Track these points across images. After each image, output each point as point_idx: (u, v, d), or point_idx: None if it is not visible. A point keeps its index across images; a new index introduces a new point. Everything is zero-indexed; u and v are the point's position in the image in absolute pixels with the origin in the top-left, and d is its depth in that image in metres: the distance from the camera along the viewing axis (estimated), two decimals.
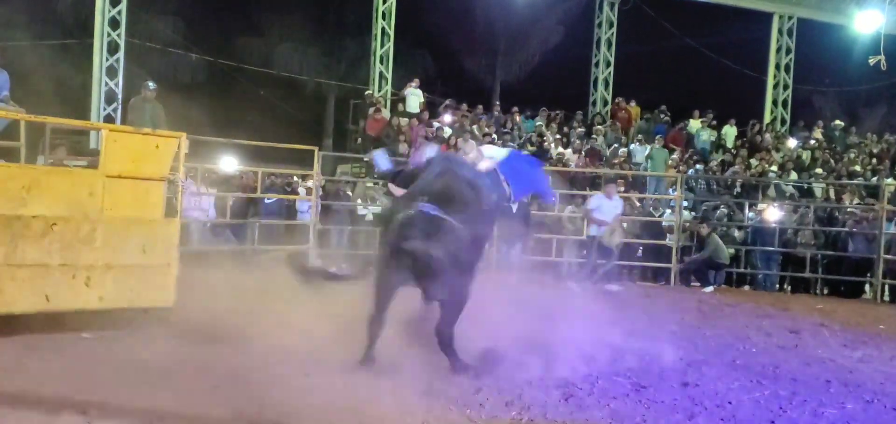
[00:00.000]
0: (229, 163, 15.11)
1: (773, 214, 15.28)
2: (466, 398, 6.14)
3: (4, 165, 7.90)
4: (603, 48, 23.57)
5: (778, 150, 19.73)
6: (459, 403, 6.00)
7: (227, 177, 14.27)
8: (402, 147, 17.58)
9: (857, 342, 8.64)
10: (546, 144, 19.31)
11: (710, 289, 13.97)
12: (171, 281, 7.79)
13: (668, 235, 15.18)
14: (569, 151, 18.93)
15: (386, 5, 21.70)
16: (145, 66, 18.63)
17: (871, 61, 19.34)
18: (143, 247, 7.58)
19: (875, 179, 17.30)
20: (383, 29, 21.79)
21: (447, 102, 20.98)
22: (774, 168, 18.42)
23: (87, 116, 18.18)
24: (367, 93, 21.42)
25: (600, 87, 23.56)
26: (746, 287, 14.99)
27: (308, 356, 7.07)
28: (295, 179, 15.17)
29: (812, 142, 20.85)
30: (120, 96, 18.46)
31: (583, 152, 18.69)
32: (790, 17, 23.29)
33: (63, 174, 8.07)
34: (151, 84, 14.65)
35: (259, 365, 6.68)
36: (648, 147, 19.30)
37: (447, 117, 20.11)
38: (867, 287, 14.72)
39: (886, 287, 14.25)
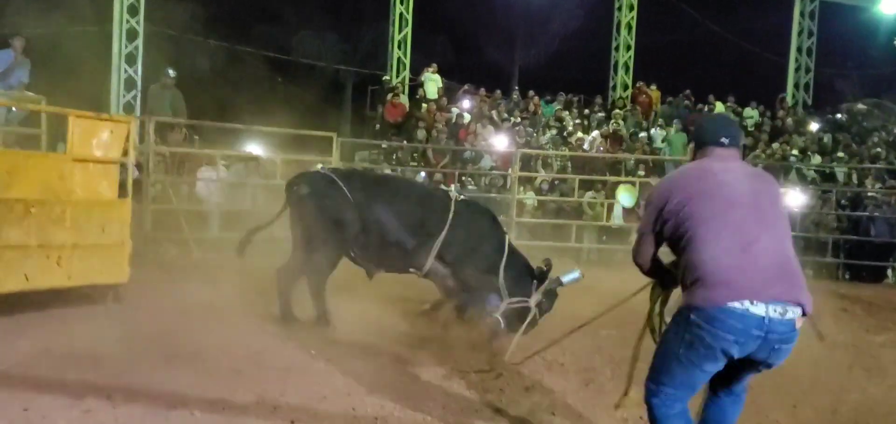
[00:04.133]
0: (254, 149, 15.15)
1: (795, 198, 15.15)
2: (487, 383, 6.15)
3: None
4: (623, 32, 23.39)
5: (800, 134, 19.56)
6: (479, 387, 6.01)
7: (247, 163, 14.29)
8: (421, 134, 17.57)
9: (879, 327, 8.57)
10: (565, 128, 19.26)
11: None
12: (125, 259, 8.05)
13: None
14: (592, 134, 18.82)
15: None
16: (164, 53, 18.65)
17: None
18: (102, 227, 7.86)
19: None
20: (401, 14, 21.73)
21: (466, 86, 20.93)
22: (796, 152, 18.27)
23: (106, 104, 18.26)
24: (384, 78, 21.41)
25: (621, 71, 23.40)
26: None
27: (328, 340, 7.11)
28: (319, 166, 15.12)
29: (838, 116, 20.69)
30: (139, 84, 18.53)
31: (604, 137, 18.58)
32: (812, 0, 23.06)
33: (39, 159, 8.35)
34: (171, 71, 14.72)
35: (279, 350, 6.72)
36: (665, 132, 19.20)
37: (466, 102, 20.05)
38: (889, 272, 14.59)
39: None
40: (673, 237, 3.82)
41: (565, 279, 7.70)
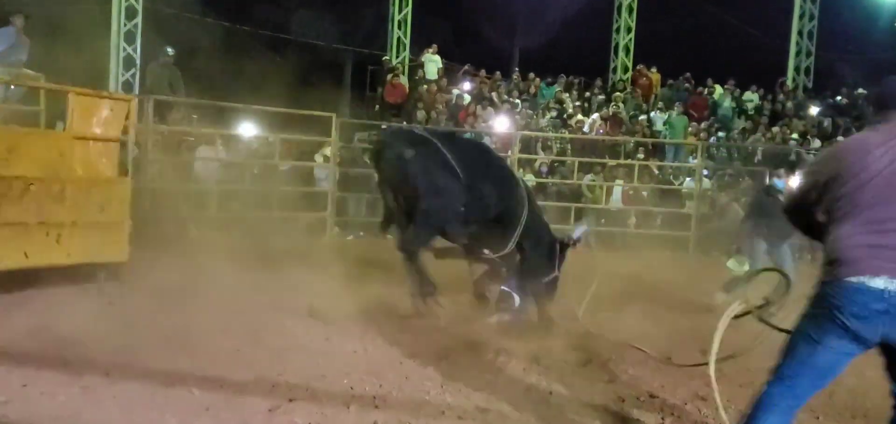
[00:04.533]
0: (248, 129, 15.12)
1: (794, 182, 15.12)
2: (484, 362, 6.17)
3: None
4: (624, 14, 23.32)
5: (800, 118, 19.53)
6: (477, 367, 6.02)
7: (245, 143, 14.28)
8: (420, 115, 17.54)
9: None
10: (565, 110, 19.23)
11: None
12: (125, 238, 8.10)
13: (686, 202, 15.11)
14: (592, 117, 18.79)
15: None
16: (163, 31, 18.58)
17: None
18: (101, 205, 7.91)
19: None
20: None
21: (466, 67, 20.87)
22: (795, 136, 18.25)
23: (105, 82, 18.21)
24: (384, 59, 21.34)
25: (621, 53, 23.34)
26: None
27: (327, 320, 7.13)
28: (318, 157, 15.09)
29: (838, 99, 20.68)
30: (138, 62, 18.48)
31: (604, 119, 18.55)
32: None
33: (39, 136, 8.35)
34: (170, 50, 14.70)
35: (278, 329, 6.73)
36: (667, 114, 19.18)
37: (466, 84, 20.00)
38: None
39: None
40: (820, 212, 3.75)
41: (576, 235, 7.86)
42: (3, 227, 7.17)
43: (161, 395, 4.90)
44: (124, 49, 18.51)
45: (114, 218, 8.03)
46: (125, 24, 18.50)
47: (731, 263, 8.48)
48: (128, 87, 18.17)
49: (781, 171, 8.57)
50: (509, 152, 14.94)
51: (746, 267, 8.39)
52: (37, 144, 7.75)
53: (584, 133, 17.71)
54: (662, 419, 5.18)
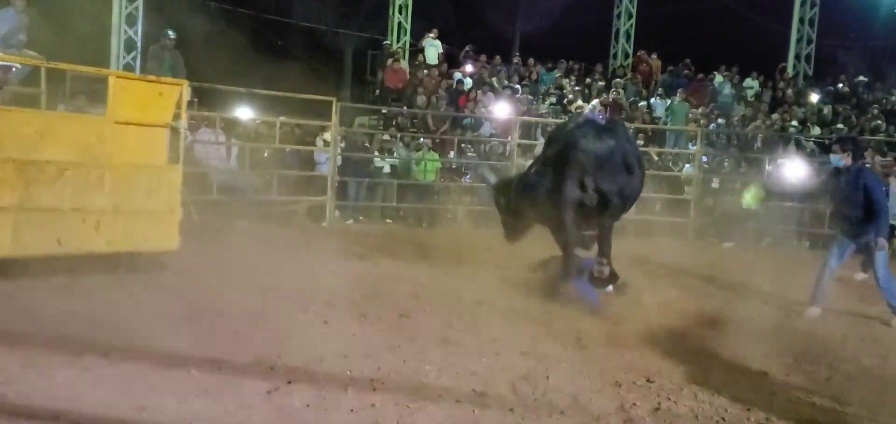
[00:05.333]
0: (245, 113, 15.11)
1: (795, 170, 15.12)
2: (483, 346, 6.20)
3: (19, 110, 8.02)
4: (625, 0, 23.28)
5: (800, 105, 19.51)
6: (476, 350, 6.06)
7: (245, 126, 14.27)
8: (421, 100, 17.52)
9: (873, 297, 8.61)
10: (565, 96, 19.19)
11: (729, 244, 13.93)
12: (175, 226, 7.90)
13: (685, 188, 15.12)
14: (592, 103, 18.75)
15: None
16: (164, 14, 18.53)
17: None
18: (148, 192, 7.74)
19: None
20: None
21: (467, 48, 20.81)
22: (795, 123, 18.24)
23: (106, 65, 18.17)
24: (385, 43, 21.29)
25: (621, 39, 23.27)
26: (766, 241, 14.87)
27: (326, 303, 7.17)
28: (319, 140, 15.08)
29: (840, 86, 20.64)
30: (139, 44, 18.42)
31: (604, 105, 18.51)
32: None
33: (73, 121, 8.15)
34: (171, 33, 14.69)
35: (278, 312, 6.77)
36: (668, 101, 19.16)
37: (468, 66, 19.93)
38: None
39: None
40: None
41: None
42: (34, 212, 7.09)
43: (160, 375, 4.94)
44: (125, 32, 18.44)
45: (162, 206, 7.84)
46: (126, 7, 18.43)
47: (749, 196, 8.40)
48: (129, 69, 18.12)
49: (837, 146, 8.33)
50: (509, 138, 14.94)
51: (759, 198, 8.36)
52: (71, 128, 7.60)
53: None
54: (659, 403, 5.22)
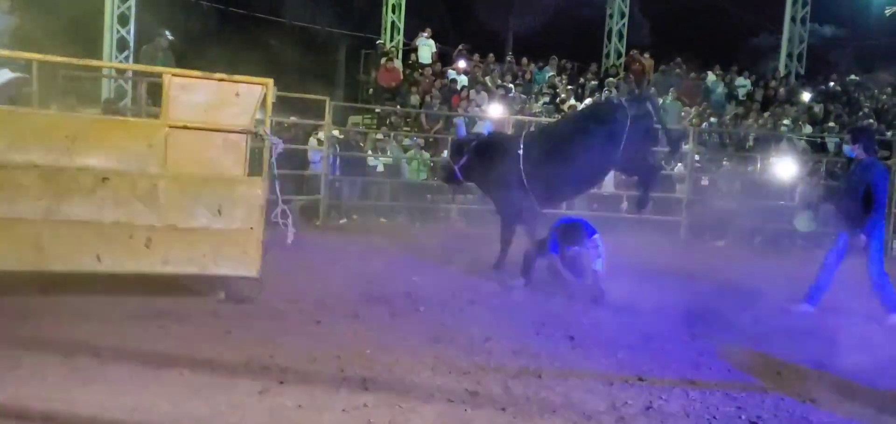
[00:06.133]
0: None
1: (787, 168, 15.17)
2: (475, 345, 6.21)
3: (49, 114, 7.46)
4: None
5: (792, 104, 19.56)
6: (468, 350, 6.06)
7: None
8: (414, 99, 17.53)
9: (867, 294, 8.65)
10: (559, 95, 19.22)
11: (721, 243, 13.97)
12: (255, 249, 6.93)
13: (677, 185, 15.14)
14: (585, 102, 18.78)
15: None
16: (157, 14, 18.52)
17: (888, 12, 19.10)
18: (217, 208, 6.80)
19: (889, 133, 17.12)
20: None
21: (461, 47, 20.82)
22: (787, 122, 18.28)
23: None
24: (378, 42, 21.31)
25: (614, 38, 23.32)
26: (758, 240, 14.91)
27: (318, 303, 7.17)
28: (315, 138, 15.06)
29: (832, 85, 20.72)
30: (132, 44, 18.41)
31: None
32: None
33: (115, 125, 7.24)
34: (168, 34, 14.69)
35: (270, 311, 6.76)
36: (661, 100, 19.18)
37: (462, 63, 19.93)
38: None
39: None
40: None
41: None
42: (66, 224, 6.43)
43: (151, 376, 4.93)
44: (118, 31, 18.42)
45: (236, 224, 6.87)
46: (119, 7, 18.41)
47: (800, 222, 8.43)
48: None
49: (849, 137, 8.37)
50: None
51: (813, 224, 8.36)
52: (112, 133, 6.80)
53: None
54: (650, 401, 5.23)
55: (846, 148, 8.28)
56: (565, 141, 8.94)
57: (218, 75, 6.82)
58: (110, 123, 7.24)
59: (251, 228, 6.88)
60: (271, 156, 7.02)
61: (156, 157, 6.66)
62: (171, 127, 6.67)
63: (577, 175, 9.01)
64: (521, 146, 9.07)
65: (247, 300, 6.96)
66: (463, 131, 9.69)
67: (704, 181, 15.06)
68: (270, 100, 7.04)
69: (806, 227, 8.33)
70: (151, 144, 6.66)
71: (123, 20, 18.46)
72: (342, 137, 14.37)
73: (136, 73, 15.16)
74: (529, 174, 8.91)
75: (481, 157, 9.36)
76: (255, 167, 7.12)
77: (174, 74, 6.77)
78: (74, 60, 7.55)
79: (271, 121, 7.15)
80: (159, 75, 7.23)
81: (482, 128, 15.76)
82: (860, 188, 7.92)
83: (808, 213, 8.34)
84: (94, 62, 7.62)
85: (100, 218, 6.51)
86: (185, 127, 6.71)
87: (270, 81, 6.98)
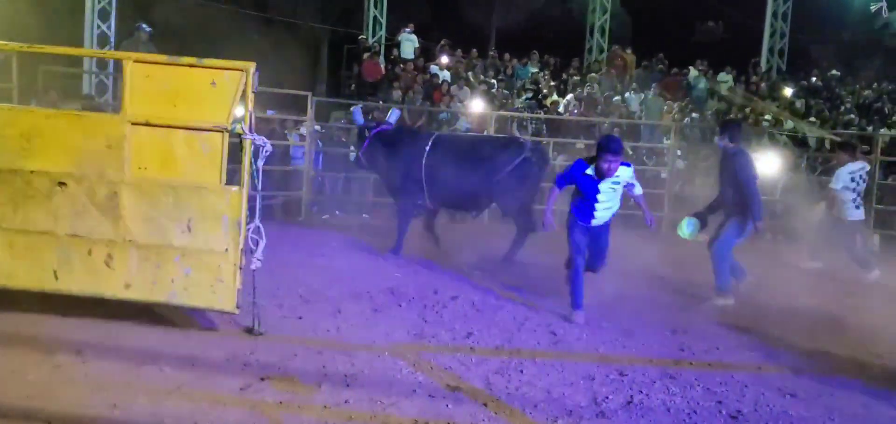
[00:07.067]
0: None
1: (770, 163, 15.22)
2: (458, 340, 6.23)
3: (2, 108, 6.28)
4: None
5: (773, 99, 19.66)
6: (450, 346, 6.08)
7: None
8: (396, 94, 17.50)
9: (851, 286, 8.75)
10: (541, 91, 19.24)
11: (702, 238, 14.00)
12: (231, 276, 5.75)
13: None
14: (567, 98, 18.81)
15: None
16: (138, 8, 18.41)
17: (873, 8, 19.25)
18: (187, 223, 5.73)
19: (870, 129, 17.25)
20: None
21: (443, 42, 20.80)
22: (768, 117, 18.37)
23: (78, 59, 18.01)
24: (361, 37, 21.25)
25: (596, 34, 23.37)
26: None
27: (300, 299, 7.16)
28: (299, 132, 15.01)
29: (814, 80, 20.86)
30: (112, 39, 18.27)
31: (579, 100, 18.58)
32: None
33: (71, 121, 6.00)
34: (146, 27, 14.58)
35: (251, 307, 6.74)
36: (643, 95, 19.24)
37: (444, 58, 19.90)
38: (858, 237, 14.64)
39: (878, 238, 14.26)
40: None
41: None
42: (20, 234, 5.70)
43: (132, 373, 4.92)
44: (98, 26, 18.27)
45: (209, 244, 5.72)
46: (99, 2, 18.27)
47: (685, 227, 8.56)
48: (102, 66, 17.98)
49: (718, 130, 8.84)
50: (485, 132, 14.96)
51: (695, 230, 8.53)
52: (69, 130, 5.80)
53: (558, 114, 17.72)
54: (631, 396, 5.26)
55: (717, 140, 8.62)
56: (461, 156, 9.49)
57: (187, 60, 5.77)
58: (67, 119, 6.02)
59: (226, 249, 5.73)
60: (256, 159, 5.93)
61: (115, 159, 5.72)
62: (133, 124, 5.72)
63: (461, 191, 9.49)
64: (429, 146, 9.55)
65: None
66: (359, 117, 9.88)
67: (685, 176, 15.10)
68: (251, 90, 5.78)
69: (689, 235, 8.42)
70: (110, 143, 5.71)
71: (104, 15, 18.32)
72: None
73: (116, 67, 15.07)
74: (428, 176, 9.45)
75: (387, 147, 9.80)
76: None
77: (137, 60, 5.82)
78: (137, 56, 5.98)
79: (252, 116, 5.88)
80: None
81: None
82: (733, 178, 8.17)
83: (692, 221, 8.45)
84: (108, 54, 6.31)
85: (56, 229, 5.72)
86: (147, 124, 5.72)
87: (251, 66, 5.76)
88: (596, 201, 7.13)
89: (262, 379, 4.98)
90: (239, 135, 5.87)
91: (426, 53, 20.56)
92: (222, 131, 5.74)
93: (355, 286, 7.85)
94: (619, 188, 7.23)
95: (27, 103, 10.33)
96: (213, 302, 5.78)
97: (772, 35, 22.98)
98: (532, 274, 8.81)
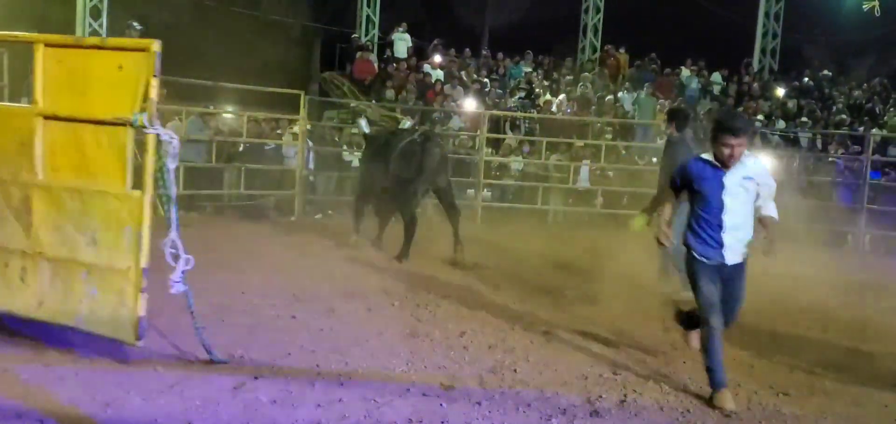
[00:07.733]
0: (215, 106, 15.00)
1: (765, 162, 15.22)
2: (450, 340, 6.22)
3: None
4: None
5: (766, 99, 19.70)
6: (443, 345, 6.07)
7: (210, 120, 14.14)
8: (389, 93, 17.49)
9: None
10: (533, 90, 19.24)
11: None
12: (131, 298, 4.85)
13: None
14: (559, 97, 18.81)
15: None
16: (129, 6, 18.35)
17: (866, 7, 19.31)
18: (93, 234, 4.94)
19: (862, 129, 17.30)
20: None
21: (436, 41, 20.79)
22: (761, 117, 18.41)
23: None
24: (353, 37, 21.23)
25: (589, 33, 23.37)
26: None
27: (294, 298, 7.15)
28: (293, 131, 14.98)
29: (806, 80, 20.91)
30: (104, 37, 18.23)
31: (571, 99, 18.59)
32: None
33: None
34: (137, 25, 14.51)
35: (245, 307, 6.73)
36: (636, 95, 19.25)
37: (437, 58, 19.88)
38: (849, 238, 14.68)
39: (869, 238, 14.31)
40: None
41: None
42: None
43: (124, 373, 4.89)
44: (90, 24, 18.23)
45: (112, 261, 4.88)
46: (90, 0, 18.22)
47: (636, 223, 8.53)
48: None
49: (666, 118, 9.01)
50: (478, 132, 14.97)
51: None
52: None
53: (551, 113, 17.73)
54: (625, 395, 5.26)
55: (663, 128, 8.78)
56: (381, 146, 10.28)
57: (90, 40, 5.15)
58: None
59: (128, 266, 4.85)
60: (164, 159, 4.93)
61: (27, 158, 5.05)
62: (45, 118, 5.03)
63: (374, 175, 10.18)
64: (382, 140, 10.45)
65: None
66: (365, 127, 11.75)
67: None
68: (152, 73, 4.74)
69: (639, 228, 8.41)
70: (23, 140, 5.05)
71: (96, 13, 18.27)
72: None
73: None
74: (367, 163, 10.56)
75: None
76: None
77: (48, 44, 5.06)
78: (47, 38, 5.10)
79: (155, 105, 4.82)
80: None
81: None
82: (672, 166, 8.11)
83: (643, 216, 8.42)
84: (23, 36, 5.40)
85: None
86: (54, 117, 5.01)
87: (155, 44, 4.77)
88: (722, 210, 5.30)
89: (256, 378, 4.97)
90: (142, 127, 4.80)
91: (419, 52, 20.54)
92: (126, 125, 4.82)
93: (348, 285, 7.85)
94: (752, 193, 5.37)
95: (17, 101, 10.27)
96: (116, 330, 4.90)
97: (764, 35, 23.04)
98: (525, 271, 8.80)
